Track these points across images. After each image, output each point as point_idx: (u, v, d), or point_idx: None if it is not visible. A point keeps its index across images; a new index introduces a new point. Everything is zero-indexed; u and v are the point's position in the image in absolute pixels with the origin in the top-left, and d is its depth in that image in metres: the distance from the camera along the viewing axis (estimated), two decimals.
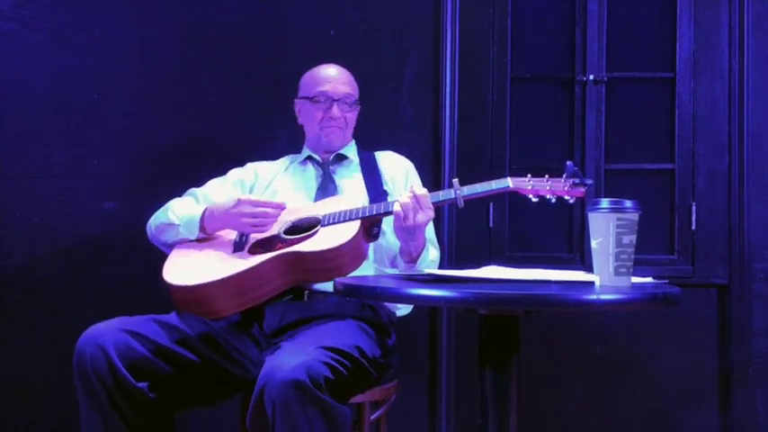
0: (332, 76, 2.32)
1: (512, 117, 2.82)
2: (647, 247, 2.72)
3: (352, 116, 2.34)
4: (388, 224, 2.13)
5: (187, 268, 2.03)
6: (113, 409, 1.90)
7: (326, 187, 2.28)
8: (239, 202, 2.08)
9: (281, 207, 2.09)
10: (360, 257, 2.01)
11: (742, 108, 2.76)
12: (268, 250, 2.00)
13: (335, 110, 2.29)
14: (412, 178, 2.35)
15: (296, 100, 2.39)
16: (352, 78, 2.36)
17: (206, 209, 2.14)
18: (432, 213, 1.99)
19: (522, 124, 2.84)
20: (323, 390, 1.70)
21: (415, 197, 1.97)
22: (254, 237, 2.09)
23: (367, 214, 2.02)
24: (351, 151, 2.37)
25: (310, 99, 2.31)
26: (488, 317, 1.68)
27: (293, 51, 2.71)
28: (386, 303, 2.17)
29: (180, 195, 2.32)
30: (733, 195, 2.77)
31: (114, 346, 1.90)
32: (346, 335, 1.91)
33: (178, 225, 2.14)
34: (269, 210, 2.07)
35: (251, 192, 2.32)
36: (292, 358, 1.72)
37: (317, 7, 2.78)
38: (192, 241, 2.15)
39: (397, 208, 1.97)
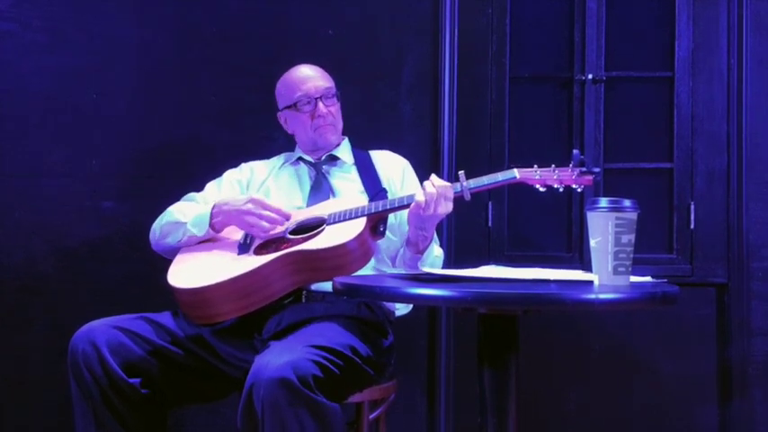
0: (306, 76, 2.30)
1: (510, 116, 2.82)
2: (646, 246, 2.72)
3: (337, 109, 2.32)
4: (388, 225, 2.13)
5: (192, 271, 2.03)
6: (106, 405, 1.91)
7: (320, 187, 2.27)
8: (250, 200, 2.09)
9: (286, 217, 2.09)
10: (367, 255, 2.01)
11: (740, 107, 2.76)
12: (274, 251, 2.00)
13: (321, 107, 2.27)
14: (408, 176, 2.34)
15: (278, 113, 2.37)
16: (325, 72, 2.34)
17: (215, 204, 2.14)
18: (451, 206, 1.99)
19: (521, 123, 2.84)
20: (311, 388, 1.69)
21: (439, 189, 1.97)
22: (260, 239, 2.09)
23: (372, 211, 2.02)
24: (344, 151, 2.36)
25: (293, 106, 2.29)
26: (487, 316, 1.68)
27: (292, 51, 2.70)
28: (384, 303, 2.17)
29: (178, 195, 2.32)
30: (732, 194, 2.77)
31: (107, 343, 1.92)
32: (339, 334, 1.90)
33: (186, 223, 2.14)
34: (275, 216, 2.08)
35: (248, 189, 2.32)
36: (280, 357, 1.72)
37: (315, 7, 2.78)
38: (196, 244, 2.15)
39: (420, 198, 1.96)
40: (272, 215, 2.08)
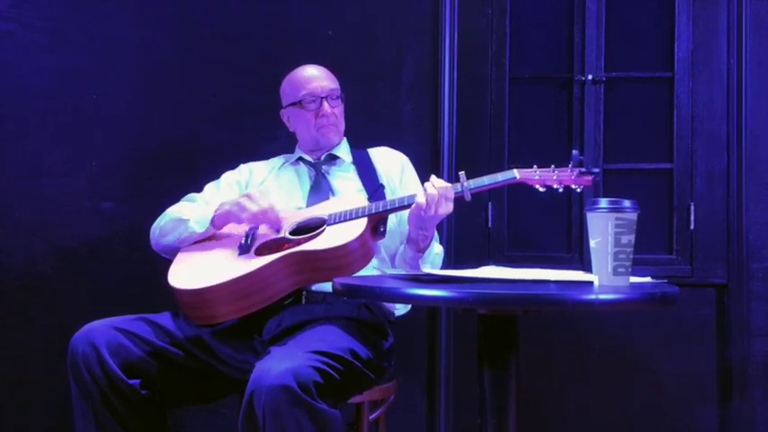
0: (313, 76, 2.31)
1: (510, 117, 2.82)
2: (646, 246, 2.72)
3: (341, 110, 2.33)
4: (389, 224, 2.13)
5: (193, 271, 2.03)
6: (105, 406, 1.91)
7: (320, 187, 2.28)
8: (244, 195, 2.11)
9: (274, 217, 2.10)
10: (368, 255, 2.01)
11: (740, 107, 2.76)
12: (275, 251, 2.00)
13: (326, 107, 2.28)
14: (407, 172, 2.35)
15: (282, 110, 2.38)
16: (331, 74, 2.35)
17: (218, 206, 2.14)
18: (452, 207, 2.00)
19: (521, 124, 2.85)
20: (312, 394, 1.69)
21: (440, 189, 1.97)
22: (261, 239, 2.09)
23: (373, 211, 2.02)
24: (343, 151, 2.37)
25: (298, 104, 2.30)
26: (487, 316, 1.68)
27: (292, 51, 2.71)
28: (384, 303, 2.17)
29: (178, 195, 2.32)
30: (731, 195, 2.77)
31: (106, 344, 1.92)
32: (339, 338, 1.90)
33: (188, 220, 2.14)
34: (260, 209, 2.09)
35: (247, 190, 2.32)
36: (280, 363, 1.72)
37: (315, 7, 2.78)
38: (196, 244, 2.15)
39: (420, 199, 1.97)
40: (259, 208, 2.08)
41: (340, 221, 2.03)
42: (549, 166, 2.00)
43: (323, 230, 2.03)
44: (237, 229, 2.16)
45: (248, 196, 2.09)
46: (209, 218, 2.13)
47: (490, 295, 1.50)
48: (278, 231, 2.09)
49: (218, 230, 2.15)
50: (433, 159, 2.74)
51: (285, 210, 2.21)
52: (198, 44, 2.77)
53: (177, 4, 2.77)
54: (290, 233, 2.06)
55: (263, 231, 2.12)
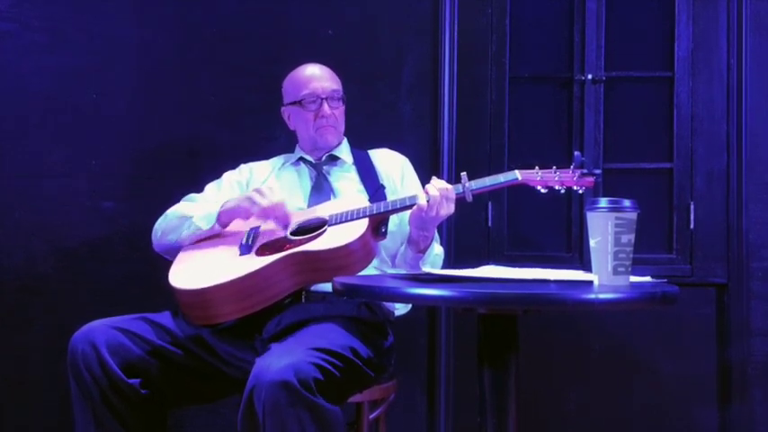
0: (315, 75, 2.30)
1: (510, 116, 2.82)
2: (646, 246, 2.72)
3: (341, 112, 2.33)
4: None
5: (194, 272, 2.03)
6: (105, 406, 1.92)
7: (321, 188, 2.28)
8: (254, 190, 2.11)
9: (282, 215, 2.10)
10: (369, 256, 2.01)
11: (740, 107, 2.76)
12: (276, 252, 2.00)
13: (326, 108, 2.28)
14: (407, 173, 2.35)
15: (283, 108, 2.38)
16: (334, 74, 2.34)
17: (222, 204, 2.15)
18: (453, 208, 2.01)
19: (521, 124, 2.85)
20: (312, 391, 1.70)
21: (441, 191, 1.98)
22: (262, 239, 2.09)
23: (375, 212, 2.02)
24: (344, 151, 2.36)
25: (298, 103, 2.30)
26: (487, 316, 1.68)
27: (292, 51, 2.71)
28: (384, 303, 2.17)
29: (178, 195, 2.32)
30: (731, 194, 2.77)
31: (106, 344, 1.92)
32: (339, 335, 1.90)
33: (191, 216, 2.14)
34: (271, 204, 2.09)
35: (248, 190, 2.32)
36: (281, 359, 1.72)
37: (315, 7, 2.78)
38: (197, 244, 2.15)
39: (422, 200, 1.97)
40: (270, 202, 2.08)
41: (341, 222, 2.03)
42: (551, 168, 2.00)
43: (324, 231, 2.03)
44: (239, 229, 2.16)
45: (258, 191, 2.09)
46: (215, 214, 2.13)
47: (490, 295, 1.51)
48: (285, 227, 2.08)
49: (222, 228, 2.15)
50: (432, 159, 2.74)
51: None
52: (198, 44, 2.77)
53: (177, 4, 2.77)
54: (292, 233, 2.07)
55: (268, 228, 2.12)
